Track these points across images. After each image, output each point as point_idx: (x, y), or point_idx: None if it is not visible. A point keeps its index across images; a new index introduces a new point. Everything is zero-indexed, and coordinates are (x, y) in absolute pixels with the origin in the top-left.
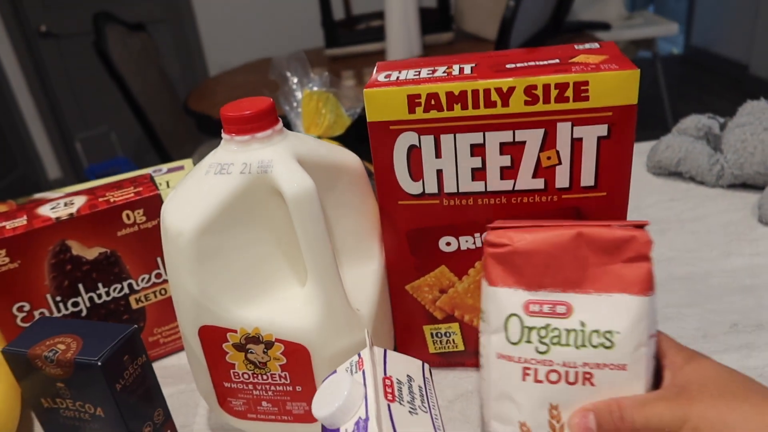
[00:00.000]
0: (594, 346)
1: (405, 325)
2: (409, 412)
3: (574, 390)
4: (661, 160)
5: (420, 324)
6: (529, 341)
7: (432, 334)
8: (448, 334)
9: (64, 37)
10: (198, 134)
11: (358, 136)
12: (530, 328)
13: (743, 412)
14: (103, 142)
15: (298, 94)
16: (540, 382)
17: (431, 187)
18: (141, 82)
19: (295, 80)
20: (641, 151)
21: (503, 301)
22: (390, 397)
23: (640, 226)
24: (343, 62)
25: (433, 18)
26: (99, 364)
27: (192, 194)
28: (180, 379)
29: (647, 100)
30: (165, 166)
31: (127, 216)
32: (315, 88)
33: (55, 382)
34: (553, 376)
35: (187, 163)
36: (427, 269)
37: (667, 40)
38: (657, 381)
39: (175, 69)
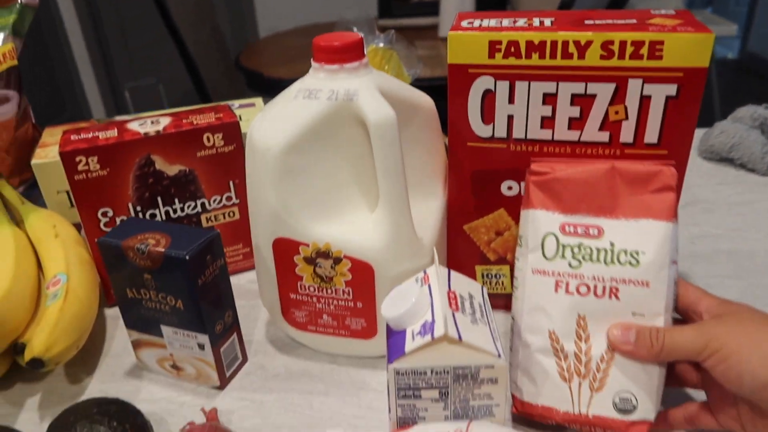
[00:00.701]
0: (621, 264)
1: (458, 264)
2: (471, 321)
3: (601, 303)
4: (714, 144)
5: (473, 264)
6: (563, 257)
7: (483, 274)
8: (498, 276)
9: None
10: (246, 90)
11: None
12: (564, 246)
13: None
14: (150, 92)
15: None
16: (570, 294)
17: (500, 132)
18: (195, 35)
19: (361, 34)
20: (695, 136)
21: (541, 222)
22: (454, 306)
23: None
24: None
25: None
26: (186, 258)
27: (281, 115)
28: (241, 296)
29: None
30: (237, 102)
31: (207, 138)
32: (381, 45)
33: (142, 273)
34: (583, 289)
35: (257, 101)
36: (486, 211)
37: (723, 44)
38: None
39: (225, 27)
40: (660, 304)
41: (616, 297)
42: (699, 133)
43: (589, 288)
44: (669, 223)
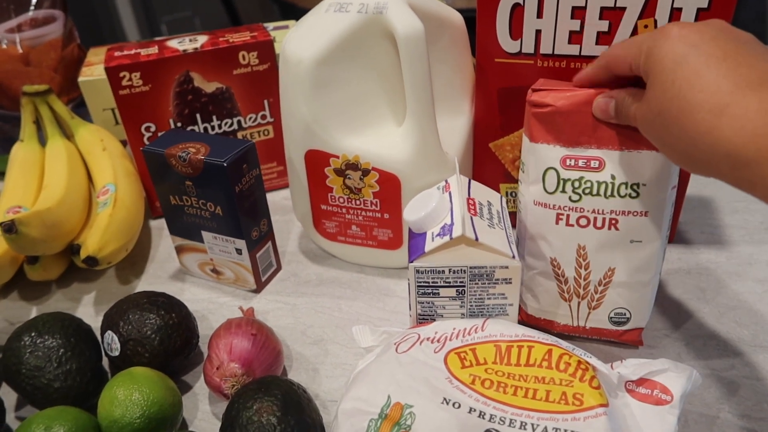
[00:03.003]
0: (621, 196)
1: (483, 182)
2: (488, 225)
3: (601, 233)
4: None
5: (498, 182)
6: (563, 191)
7: (507, 192)
8: None
9: None
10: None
11: None
12: (565, 180)
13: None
14: (186, 25)
15: None
16: (571, 226)
17: (528, 47)
18: None
19: None
20: None
21: (542, 156)
22: (472, 211)
23: None
24: None
25: None
26: (224, 165)
27: (312, 28)
28: (275, 211)
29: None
30: (272, 24)
31: (243, 57)
32: None
33: (184, 180)
34: (583, 221)
35: (291, 23)
36: (512, 128)
37: None
38: None
39: None
40: (657, 231)
41: (615, 228)
42: None
43: (589, 220)
44: None
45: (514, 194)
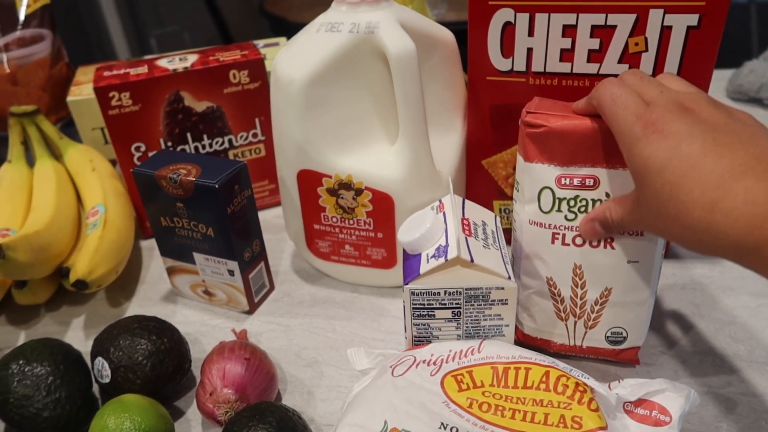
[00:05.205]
0: None
1: (477, 199)
2: (483, 246)
3: (596, 253)
4: (743, 84)
5: (491, 199)
6: (559, 210)
7: (500, 209)
8: None
9: None
10: (270, 36)
11: None
12: (561, 199)
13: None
14: (176, 40)
15: None
16: (567, 245)
17: (520, 65)
18: None
19: None
20: (723, 77)
21: (537, 175)
22: (467, 232)
23: None
24: None
25: None
26: (216, 186)
27: (304, 48)
28: (267, 230)
29: (734, 48)
30: (262, 42)
31: (233, 75)
32: None
33: (175, 202)
34: (579, 240)
35: (281, 40)
36: (504, 146)
37: None
38: None
39: None
40: (653, 250)
41: (611, 247)
42: (728, 73)
43: (584, 239)
44: None
45: (507, 211)
